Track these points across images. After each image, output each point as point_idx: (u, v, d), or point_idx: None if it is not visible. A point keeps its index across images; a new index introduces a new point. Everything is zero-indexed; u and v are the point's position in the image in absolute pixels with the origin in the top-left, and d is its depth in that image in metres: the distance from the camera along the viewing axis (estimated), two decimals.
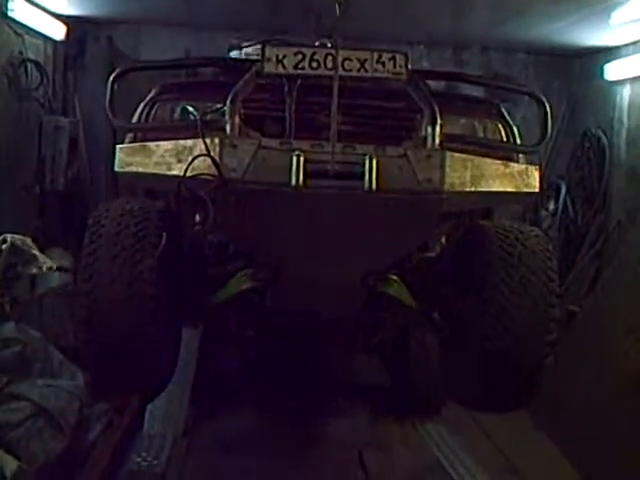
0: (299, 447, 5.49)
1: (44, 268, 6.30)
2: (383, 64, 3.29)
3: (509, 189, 3.53)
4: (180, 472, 5.15)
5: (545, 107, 3.71)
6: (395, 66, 3.30)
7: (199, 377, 6.07)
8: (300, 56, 3.28)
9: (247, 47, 5.65)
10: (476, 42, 9.13)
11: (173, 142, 3.35)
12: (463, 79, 4.36)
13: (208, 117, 3.55)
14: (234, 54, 5.78)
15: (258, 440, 5.70)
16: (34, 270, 6.21)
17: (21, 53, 7.67)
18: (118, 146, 3.50)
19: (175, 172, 3.31)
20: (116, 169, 3.50)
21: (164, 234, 3.50)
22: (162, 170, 3.34)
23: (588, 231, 8.64)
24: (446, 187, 3.28)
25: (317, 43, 4.99)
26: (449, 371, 4.22)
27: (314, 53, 3.29)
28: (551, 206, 9.03)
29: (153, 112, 3.88)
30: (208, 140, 3.21)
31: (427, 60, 9.12)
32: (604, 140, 8.52)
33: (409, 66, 3.33)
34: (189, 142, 3.29)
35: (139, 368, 3.70)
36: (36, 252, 6.38)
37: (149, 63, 3.97)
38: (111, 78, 3.54)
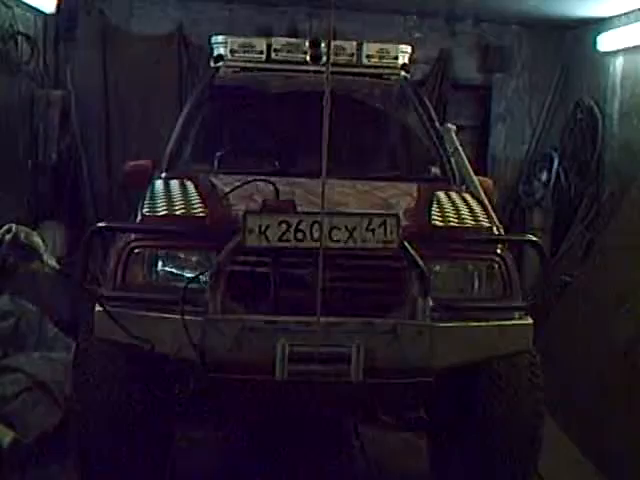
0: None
1: (45, 268, 6.28)
2: (373, 232, 3.15)
3: (502, 352, 3.48)
4: None
5: (545, 258, 3.60)
6: (386, 233, 3.16)
7: None
8: (285, 226, 3.12)
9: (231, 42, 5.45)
10: (469, 13, 9.09)
11: (154, 316, 3.31)
12: (464, 241, 3.83)
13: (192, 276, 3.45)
14: (218, 40, 5.61)
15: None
16: (33, 267, 6.20)
17: (11, 26, 7.58)
18: (97, 310, 3.36)
19: (157, 349, 3.30)
20: (96, 335, 3.43)
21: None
22: (144, 344, 3.30)
23: (581, 202, 8.65)
24: (436, 363, 3.24)
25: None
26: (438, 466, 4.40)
27: (300, 222, 3.13)
28: (544, 177, 9.03)
29: (129, 264, 3.52)
30: (189, 318, 3.19)
31: (419, 31, 9.09)
32: (597, 111, 8.51)
33: (400, 230, 3.20)
34: (170, 318, 3.25)
35: (133, 473, 3.85)
36: (40, 249, 6.37)
37: (123, 226, 3.80)
38: (86, 237, 3.38)
